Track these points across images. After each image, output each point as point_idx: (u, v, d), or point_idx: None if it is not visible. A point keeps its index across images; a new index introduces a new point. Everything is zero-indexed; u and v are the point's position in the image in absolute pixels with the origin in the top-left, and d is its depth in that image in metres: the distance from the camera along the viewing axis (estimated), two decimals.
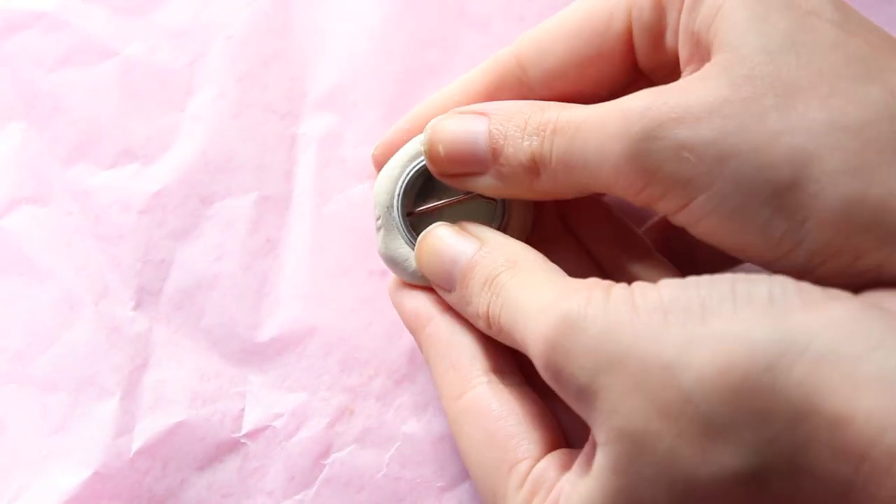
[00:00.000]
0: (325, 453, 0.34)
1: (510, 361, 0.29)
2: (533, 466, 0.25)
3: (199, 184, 0.37)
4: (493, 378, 0.28)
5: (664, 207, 0.25)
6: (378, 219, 0.31)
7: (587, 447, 0.24)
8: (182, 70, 0.38)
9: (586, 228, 0.31)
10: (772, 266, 0.24)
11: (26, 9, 0.39)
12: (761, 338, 0.20)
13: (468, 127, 0.27)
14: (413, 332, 0.30)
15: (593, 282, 0.24)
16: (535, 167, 0.26)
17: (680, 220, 0.25)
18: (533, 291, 0.25)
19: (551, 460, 0.25)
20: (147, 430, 0.35)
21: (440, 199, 0.30)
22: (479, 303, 0.26)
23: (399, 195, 0.30)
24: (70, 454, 0.34)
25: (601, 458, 0.22)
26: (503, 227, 0.30)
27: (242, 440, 0.35)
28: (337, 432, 0.35)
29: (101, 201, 0.37)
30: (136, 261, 0.36)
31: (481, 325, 0.27)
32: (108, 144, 0.37)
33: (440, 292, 0.29)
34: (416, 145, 0.30)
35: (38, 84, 0.38)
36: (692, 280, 0.22)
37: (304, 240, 0.37)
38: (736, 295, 0.21)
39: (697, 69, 0.25)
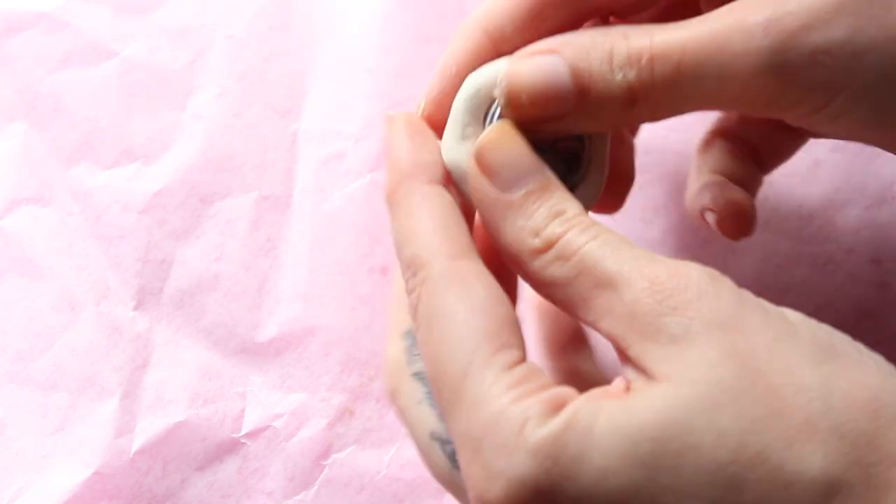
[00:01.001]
0: (325, 454, 0.34)
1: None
2: (523, 361, 0.23)
3: (199, 183, 0.37)
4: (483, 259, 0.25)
5: (798, 113, 0.25)
6: (457, 116, 0.27)
7: (612, 387, 0.22)
8: (182, 70, 0.38)
9: None
10: None
11: (27, 9, 0.39)
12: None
13: (546, 69, 0.25)
14: (403, 175, 0.26)
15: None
16: (631, 98, 0.25)
17: (814, 121, 0.25)
18: (631, 248, 0.23)
19: (539, 369, 0.23)
20: (147, 429, 0.34)
21: None
22: (550, 225, 0.24)
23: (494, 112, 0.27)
24: (71, 454, 0.34)
25: (671, 393, 0.21)
26: (581, 179, 0.28)
27: (243, 440, 0.34)
28: (337, 433, 0.34)
29: (102, 201, 0.37)
30: (136, 261, 0.36)
31: (534, 242, 0.24)
32: (109, 145, 0.37)
33: (480, 181, 0.25)
34: (479, 88, 0.27)
35: (39, 85, 0.38)
36: (813, 320, 0.23)
37: (304, 238, 0.36)
38: (860, 350, 0.22)
39: None
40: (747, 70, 0.24)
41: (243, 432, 0.35)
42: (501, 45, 0.28)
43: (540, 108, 0.26)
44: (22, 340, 0.36)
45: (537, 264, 0.24)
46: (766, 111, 0.25)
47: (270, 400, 0.35)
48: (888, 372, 0.21)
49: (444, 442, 0.26)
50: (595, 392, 0.22)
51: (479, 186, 0.25)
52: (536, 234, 0.24)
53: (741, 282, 0.23)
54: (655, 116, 0.26)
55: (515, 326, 0.24)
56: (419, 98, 0.29)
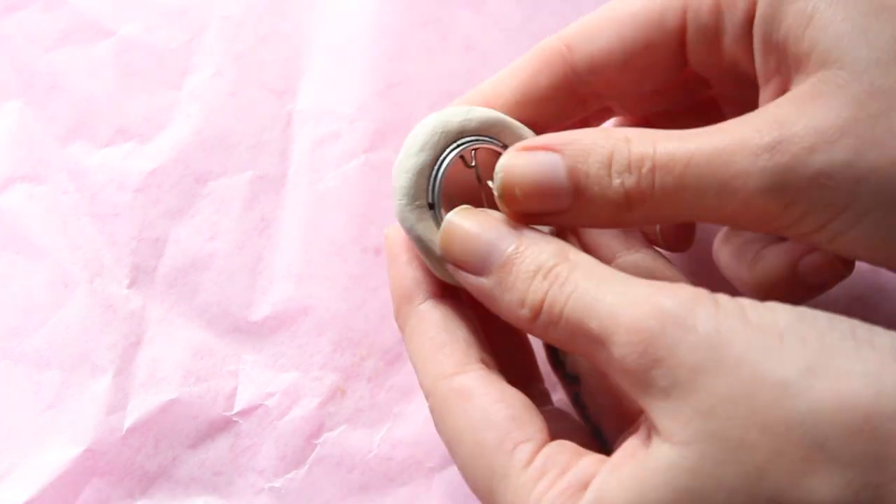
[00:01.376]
0: (317, 433, 0.34)
1: (499, 360, 0.28)
2: (540, 448, 0.24)
3: (194, 162, 0.37)
4: (489, 366, 0.27)
5: (797, 231, 0.25)
6: (405, 190, 0.28)
7: (633, 444, 0.23)
8: (179, 49, 0.38)
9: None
10: None
11: None
12: (890, 384, 0.20)
13: (543, 167, 0.26)
14: (402, 300, 0.29)
15: (688, 286, 0.23)
16: (628, 203, 0.25)
17: (814, 240, 0.25)
18: (611, 285, 0.24)
19: (561, 445, 0.24)
20: (140, 407, 0.34)
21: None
22: (531, 290, 0.25)
23: (440, 173, 0.28)
24: (63, 431, 0.34)
25: (676, 456, 0.21)
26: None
27: (235, 418, 0.35)
28: (328, 412, 0.34)
29: (97, 180, 0.37)
30: (131, 239, 0.36)
31: (524, 313, 0.25)
32: (105, 123, 0.37)
33: (459, 275, 0.27)
34: (454, 119, 0.28)
35: (36, 63, 0.38)
36: (808, 312, 0.22)
37: (298, 218, 0.36)
38: (857, 338, 0.21)
39: (784, 82, 0.25)
40: (749, 189, 0.24)
41: (235, 410, 0.35)
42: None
43: (533, 204, 0.26)
44: (16, 317, 0.36)
45: (536, 331, 0.25)
46: (764, 228, 0.25)
47: (262, 378, 0.35)
48: (879, 374, 0.20)
49: None
50: (616, 460, 0.23)
51: (459, 279, 0.27)
52: (523, 305, 0.25)
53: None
54: (650, 221, 0.27)
55: (525, 415, 0.25)
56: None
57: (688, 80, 0.29)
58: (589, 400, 0.29)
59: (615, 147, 0.25)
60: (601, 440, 0.28)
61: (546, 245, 0.25)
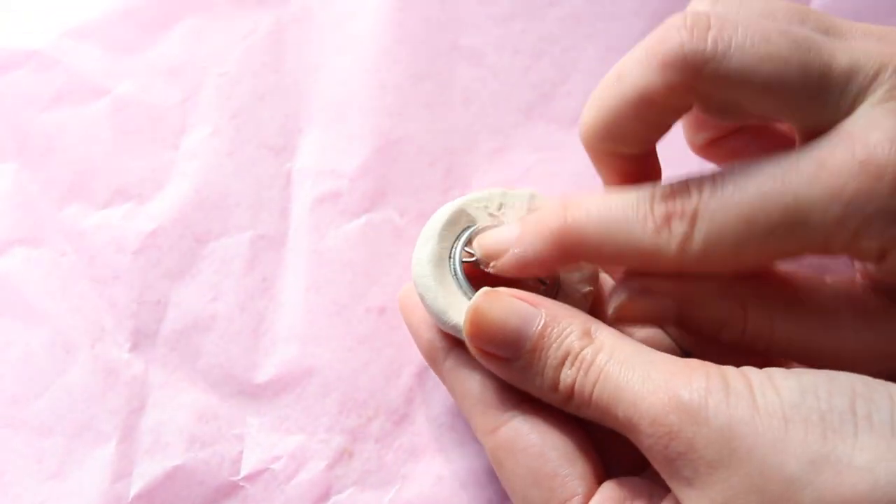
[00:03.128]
0: (325, 496, 0.34)
1: None
2: (587, 497, 0.26)
3: (193, 223, 0.37)
4: (526, 409, 0.28)
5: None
6: (427, 257, 0.30)
7: None
8: (175, 108, 0.38)
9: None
10: None
11: (17, 48, 0.38)
12: (883, 476, 0.21)
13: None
14: (430, 362, 0.30)
15: (701, 365, 0.24)
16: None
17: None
18: (633, 370, 0.25)
19: (605, 497, 0.26)
20: (145, 474, 0.34)
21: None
22: (561, 378, 0.26)
23: (460, 245, 0.30)
24: (67, 500, 0.34)
25: None
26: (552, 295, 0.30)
27: (241, 483, 0.34)
28: (336, 475, 0.34)
29: (96, 242, 0.37)
30: (131, 302, 0.36)
31: (556, 398, 0.26)
32: (102, 184, 0.37)
33: (483, 358, 0.28)
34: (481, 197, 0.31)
35: (30, 124, 0.38)
36: (810, 383, 0.23)
37: (300, 278, 0.36)
38: (857, 416, 0.22)
39: None
40: None
41: (242, 475, 0.34)
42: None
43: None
44: (16, 384, 0.35)
45: (571, 410, 0.26)
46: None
47: (268, 442, 0.35)
48: (874, 466, 0.21)
49: None
50: None
51: (489, 365, 0.28)
52: (555, 390, 0.26)
53: None
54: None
55: (568, 466, 0.26)
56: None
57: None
58: None
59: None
60: None
61: (570, 324, 0.26)
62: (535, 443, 0.27)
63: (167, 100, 0.38)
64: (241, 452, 0.35)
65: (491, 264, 0.28)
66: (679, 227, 0.25)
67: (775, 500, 0.22)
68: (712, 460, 0.22)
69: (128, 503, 0.34)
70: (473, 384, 0.29)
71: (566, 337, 0.26)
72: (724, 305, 0.27)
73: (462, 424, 0.35)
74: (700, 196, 0.25)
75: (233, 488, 0.34)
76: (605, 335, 0.26)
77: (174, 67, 0.38)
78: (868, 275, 0.28)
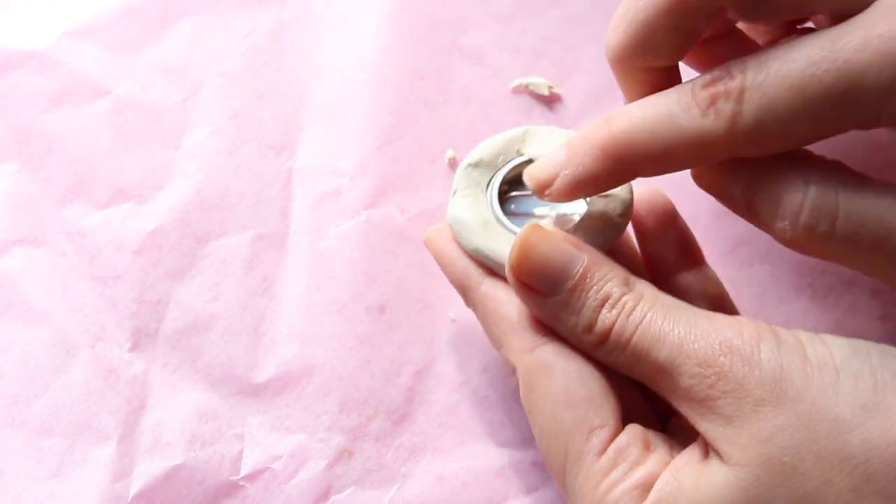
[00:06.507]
0: (325, 495, 0.34)
1: None
2: (614, 437, 0.26)
3: (194, 223, 0.37)
4: (560, 339, 0.28)
5: None
6: (462, 192, 0.31)
7: (692, 456, 0.25)
8: (176, 107, 0.38)
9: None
10: None
11: (17, 48, 0.38)
12: None
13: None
14: (462, 289, 0.30)
15: (751, 321, 0.25)
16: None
17: None
18: (678, 319, 0.25)
19: (632, 436, 0.26)
20: (145, 473, 0.34)
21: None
22: (599, 318, 0.26)
23: (497, 181, 0.31)
24: (68, 500, 0.34)
25: (732, 476, 0.23)
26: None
27: (241, 483, 0.34)
28: (336, 474, 0.34)
29: (96, 242, 0.37)
30: (131, 302, 0.36)
31: (589, 339, 0.27)
32: (102, 184, 0.37)
33: (521, 293, 0.28)
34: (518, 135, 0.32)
35: (31, 124, 0.38)
36: (861, 346, 0.24)
37: (300, 277, 0.36)
38: None
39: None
40: None
41: (242, 475, 0.34)
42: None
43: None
44: (17, 384, 0.35)
45: (600, 355, 0.27)
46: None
47: (269, 441, 0.35)
48: None
49: None
50: (678, 463, 0.25)
51: (526, 299, 0.28)
52: (590, 330, 0.26)
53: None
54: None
55: (602, 398, 0.27)
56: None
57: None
58: None
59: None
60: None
61: (610, 271, 0.27)
62: (573, 367, 0.27)
63: (168, 100, 0.38)
64: (242, 452, 0.34)
65: (546, 192, 0.28)
66: (726, 107, 0.25)
67: (821, 437, 0.22)
68: (760, 398, 0.23)
69: (128, 503, 0.34)
70: (511, 307, 0.29)
71: (607, 282, 0.27)
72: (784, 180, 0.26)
73: (462, 424, 0.34)
74: (744, 76, 0.25)
75: (233, 488, 0.34)
76: (644, 287, 0.27)
77: (174, 67, 0.38)
78: None
